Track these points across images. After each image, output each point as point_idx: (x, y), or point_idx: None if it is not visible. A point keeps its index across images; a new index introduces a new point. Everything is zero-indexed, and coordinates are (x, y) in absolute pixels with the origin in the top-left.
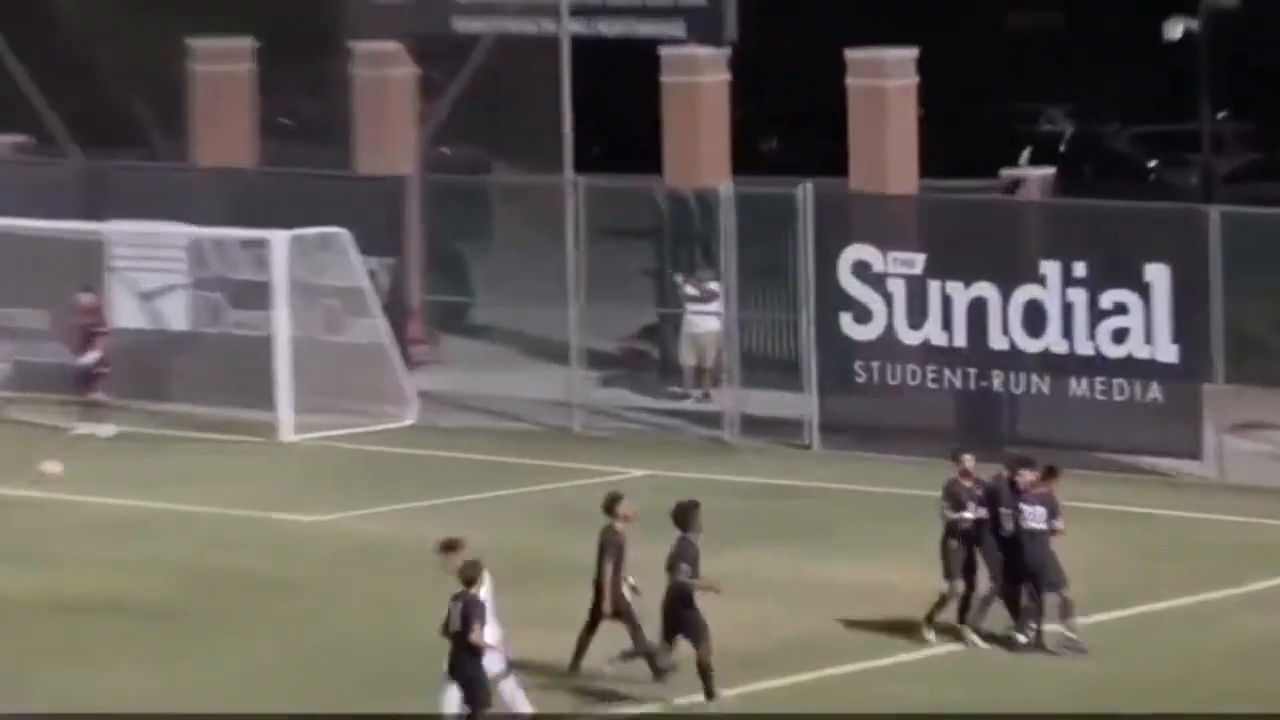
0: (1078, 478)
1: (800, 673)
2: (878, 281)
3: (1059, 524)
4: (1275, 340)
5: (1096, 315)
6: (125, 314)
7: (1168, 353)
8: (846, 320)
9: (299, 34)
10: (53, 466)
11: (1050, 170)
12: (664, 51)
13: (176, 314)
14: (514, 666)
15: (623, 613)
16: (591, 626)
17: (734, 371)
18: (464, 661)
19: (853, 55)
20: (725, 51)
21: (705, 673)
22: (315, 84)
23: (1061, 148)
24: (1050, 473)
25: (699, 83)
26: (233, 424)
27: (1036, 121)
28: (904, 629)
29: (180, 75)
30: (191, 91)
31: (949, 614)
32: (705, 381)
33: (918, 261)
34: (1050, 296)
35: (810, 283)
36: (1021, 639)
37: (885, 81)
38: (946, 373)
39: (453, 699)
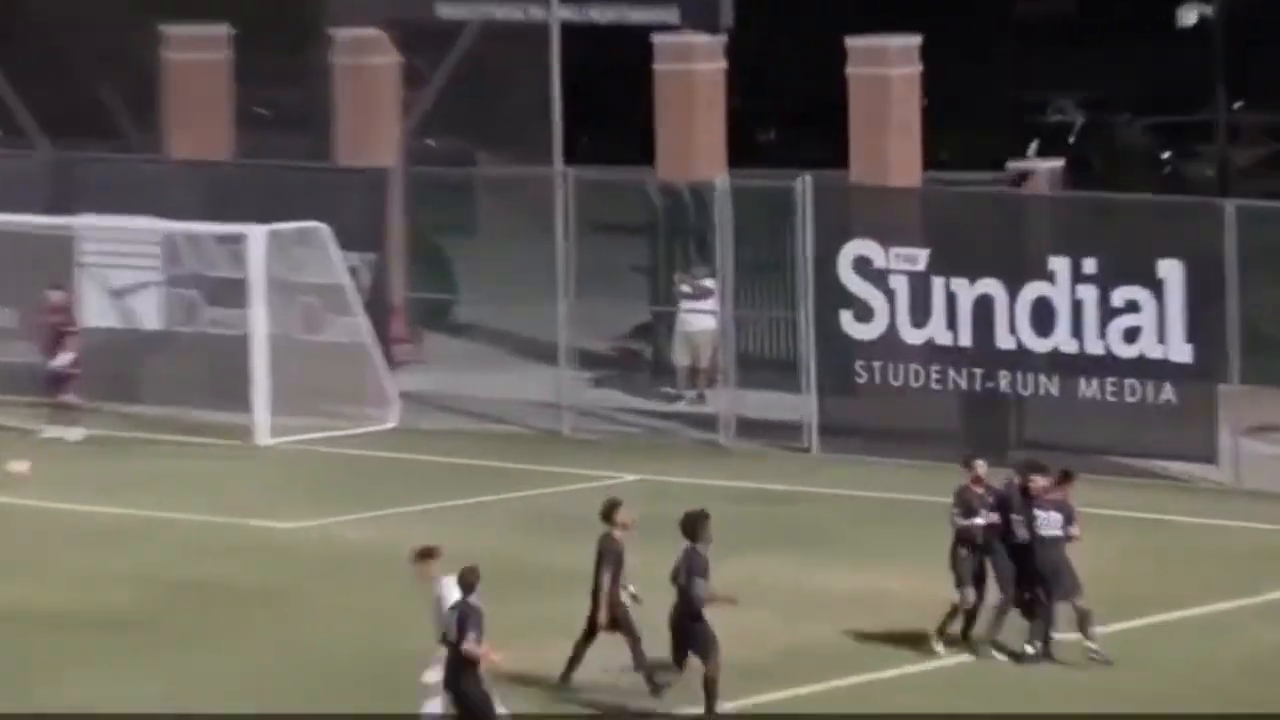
0: (1088, 482)
1: (801, 685)
2: (879, 278)
3: (1075, 530)
4: None
5: (1107, 313)
6: (96, 312)
7: (1181, 352)
8: (847, 318)
9: (277, 20)
10: (19, 466)
11: (1059, 162)
12: (657, 39)
13: (149, 312)
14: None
15: (621, 623)
16: (588, 637)
17: (729, 372)
18: (459, 673)
19: (854, 43)
20: (721, 38)
21: (710, 689)
22: (294, 72)
23: (1071, 139)
24: (1065, 477)
25: (694, 71)
26: (208, 427)
27: (1045, 111)
28: (906, 640)
29: (154, 63)
30: (165, 80)
31: (957, 625)
32: (700, 382)
33: (921, 257)
34: (1059, 294)
35: (809, 279)
36: (1029, 650)
37: (888, 70)
38: (951, 373)
39: (434, 707)
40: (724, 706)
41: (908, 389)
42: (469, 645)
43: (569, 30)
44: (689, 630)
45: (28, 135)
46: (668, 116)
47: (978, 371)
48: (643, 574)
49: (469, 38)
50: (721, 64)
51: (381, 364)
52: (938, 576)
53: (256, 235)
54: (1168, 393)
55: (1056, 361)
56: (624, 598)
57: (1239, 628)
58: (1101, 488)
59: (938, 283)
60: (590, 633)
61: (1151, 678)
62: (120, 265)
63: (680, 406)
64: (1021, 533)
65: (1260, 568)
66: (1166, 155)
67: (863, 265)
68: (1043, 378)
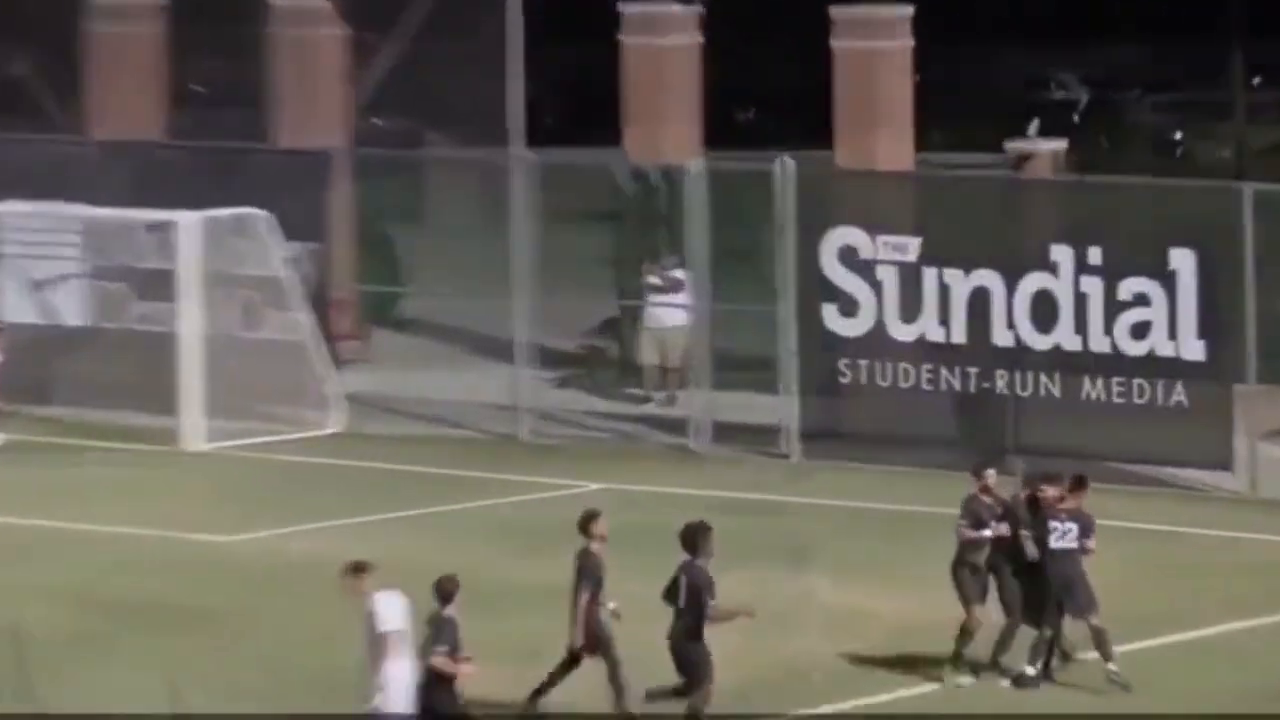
0: (1092, 491)
1: (787, 708)
2: (866, 269)
3: (1091, 544)
4: None
5: (1114, 307)
6: (13, 307)
7: (1194, 350)
8: (830, 313)
9: None
10: None
11: (1062, 143)
12: (626, 8)
13: (72, 307)
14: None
15: (601, 644)
16: (569, 665)
17: (702, 372)
18: (433, 690)
19: (839, 13)
20: (696, 9)
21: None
22: (231, 45)
23: (1075, 118)
24: (1079, 484)
25: (665, 45)
26: (136, 431)
27: (1047, 88)
28: (896, 663)
29: (77, 35)
30: (90, 54)
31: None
32: (670, 383)
33: (911, 247)
34: (1061, 286)
35: (790, 271)
36: (1030, 671)
37: (876, 43)
38: (943, 373)
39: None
40: None
41: (897, 390)
42: (437, 660)
43: None
44: (684, 650)
45: None
46: (636, 94)
47: (973, 371)
48: (611, 590)
49: (422, 8)
50: (697, 37)
51: (325, 363)
52: (924, 594)
53: (189, 223)
54: (1179, 394)
55: (1058, 360)
56: (603, 615)
57: (1257, 648)
58: (1107, 497)
59: (929, 274)
60: (572, 660)
61: (1165, 701)
62: (40, 256)
63: (649, 409)
64: (1031, 550)
65: (1278, 584)
66: (1179, 135)
67: (848, 255)
68: (1043, 377)
